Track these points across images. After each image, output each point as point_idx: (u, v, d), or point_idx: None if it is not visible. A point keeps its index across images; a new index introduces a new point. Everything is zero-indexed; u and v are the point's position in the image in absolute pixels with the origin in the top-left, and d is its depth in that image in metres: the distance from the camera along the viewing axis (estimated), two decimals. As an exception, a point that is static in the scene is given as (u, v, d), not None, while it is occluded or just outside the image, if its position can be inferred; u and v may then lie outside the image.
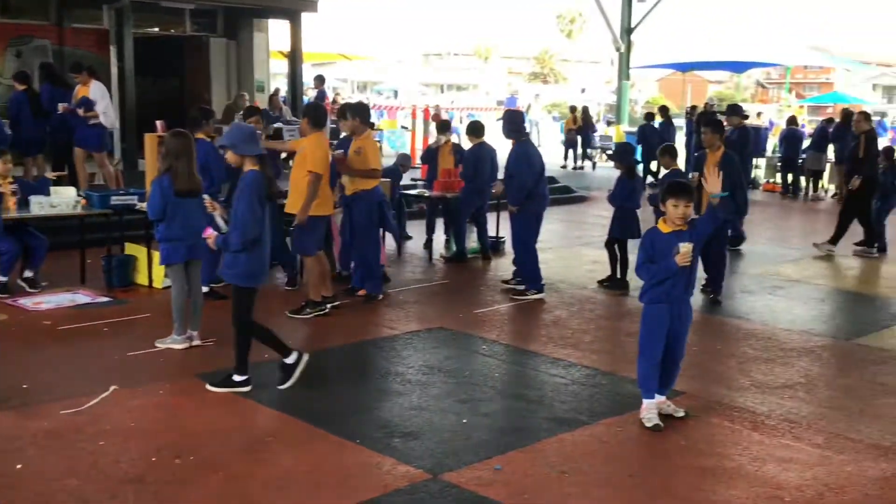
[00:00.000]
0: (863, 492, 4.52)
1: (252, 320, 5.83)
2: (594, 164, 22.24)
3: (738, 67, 30.36)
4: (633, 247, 9.25)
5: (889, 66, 65.55)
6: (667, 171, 9.19)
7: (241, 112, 16.00)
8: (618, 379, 6.30)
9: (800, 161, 18.77)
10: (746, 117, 13.27)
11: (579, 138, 22.39)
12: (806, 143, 19.07)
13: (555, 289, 9.12)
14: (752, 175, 19.94)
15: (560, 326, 7.70)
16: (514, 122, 8.76)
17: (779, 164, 19.56)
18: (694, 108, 22.29)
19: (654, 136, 18.90)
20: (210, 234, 5.79)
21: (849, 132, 16.67)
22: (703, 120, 9.51)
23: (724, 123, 10.31)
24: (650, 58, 28.25)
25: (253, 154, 5.66)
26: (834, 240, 11.67)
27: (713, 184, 5.21)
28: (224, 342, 6.72)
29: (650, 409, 5.35)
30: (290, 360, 5.81)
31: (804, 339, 7.56)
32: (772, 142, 23.55)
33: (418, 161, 14.78)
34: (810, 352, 7.19)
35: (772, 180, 19.95)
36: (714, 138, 8.53)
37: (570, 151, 22.58)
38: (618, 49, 22.67)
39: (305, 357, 5.83)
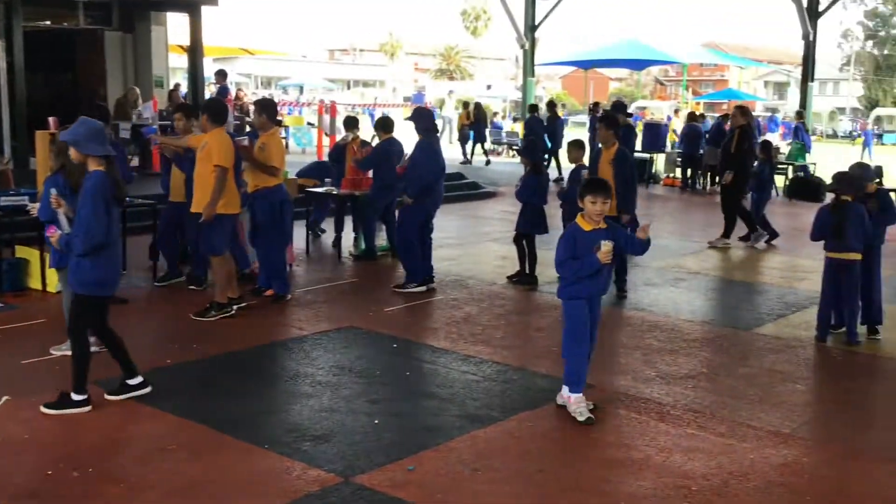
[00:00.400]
0: (766, 478, 4.66)
1: (106, 329, 5.49)
2: (488, 161, 22.62)
3: (638, 65, 31.14)
4: (540, 242, 9.38)
5: (780, 64, 68.39)
6: (574, 166, 9.32)
7: (139, 108, 15.61)
8: (529, 374, 6.34)
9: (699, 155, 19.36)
10: (630, 115, 13.80)
11: (472, 133, 22.81)
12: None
13: (464, 285, 9.14)
14: (654, 170, 20.52)
15: (470, 323, 7.70)
16: (427, 120, 8.83)
17: (678, 158, 20.13)
18: (597, 104, 22.76)
19: (539, 128, 19.45)
20: (53, 232, 5.41)
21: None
22: (601, 119, 9.67)
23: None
24: (554, 55, 28.69)
25: (98, 154, 5.24)
26: (726, 233, 12.11)
27: (644, 230, 5.33)
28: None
29: (580, 402, 5.42)
30: (133, 381, 5.50)
31: (706, 329, 7.78)
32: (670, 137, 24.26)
33: (325, 158, 14.56)
34: (712, 342, 7.40)
35: (672, 175, 20.50)
36: (608, 134, 8.68)
37: (465, 147, 22.95)
38: (522, 46, 22.91)
39: (148, 389, 5.50)
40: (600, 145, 8.88)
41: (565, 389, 5.56)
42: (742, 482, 4.60)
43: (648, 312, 8.26)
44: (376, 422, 5.27)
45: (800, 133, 21.13)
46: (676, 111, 31.03)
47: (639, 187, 18.95)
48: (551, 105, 20.51)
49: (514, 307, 8.44)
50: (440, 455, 4.82)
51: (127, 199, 8.78)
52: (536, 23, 22.73)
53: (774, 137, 25.61)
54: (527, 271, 9.31)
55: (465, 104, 24.58)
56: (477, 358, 6.66)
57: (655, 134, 21.56)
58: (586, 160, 9.47)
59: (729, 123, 18.39)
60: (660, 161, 21.04)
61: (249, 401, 5.64)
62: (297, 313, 7.84)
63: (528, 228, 9.22)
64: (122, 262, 8.56)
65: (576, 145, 9.37)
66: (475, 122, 22.74)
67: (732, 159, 11.96)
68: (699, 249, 11.83)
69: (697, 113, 22.69)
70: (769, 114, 49.44)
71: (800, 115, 22.84)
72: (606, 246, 5.16)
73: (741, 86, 67.73)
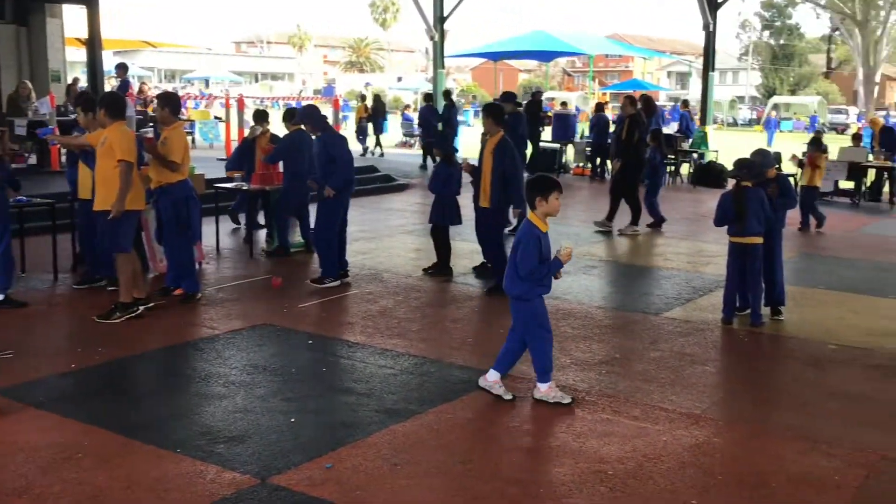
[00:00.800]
0: (679, 459, 4.77)
1: None
2: (382, 153, 22.78)
3: (546, 56, 31.48)
4: (454, 233, 9.38)
5: (682, 54, 70.31)
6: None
7: (34, 104, 14.96)
8: (445, 366, 6.33)
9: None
10: (520, 104, 14.04)
11: (370, 125, 22.94)
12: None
13: (379, 278, 9.08)
14: (564, 159, 20.83)
15: (387, 316, 7.65)
16: (315, 116, 8.63)
17: (588, 148, 20.47)
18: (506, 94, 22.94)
19: (434, 117, 19.82)
20: None
21: (651, 116, 17.73)
22: (484, 108, 9.45)
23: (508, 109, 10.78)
24: (463, 46, 28.84)
25: None
26: (634, 220, 12.37)
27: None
28: (24, 354, 6.22)
29: (555, 388, 5.57)
30: None
31: (618, 315, 7.92)
32: (579, 127, 24.66)
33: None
34: (624, 328, 7.53)
35: (581, 164, 20.84)
36: (490, 123, 8.52)
37: (362, 139, 23.12)
38: (431, 38, 22.86)
39: None
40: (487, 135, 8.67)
41: (492, 374, 5.64)
42: (656, 464, 4.69)
43: (562, 300, 8.35)
44: (292, 420, 5.18)
45: (685, 121, 21.86)
46: (603, 105, 31.72)
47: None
48: (446, 94, 20.74)
49: (430, 299, 8.42)
50: (359, 451, 4.76)
51: (25, 199, 8.49)
52: (445, 14, 22.70)
53: (678, 126, 26.32)
54: (442, 263, 9.30)
55: (363, 97, 24.88)
56: (393, 351, 6.62)
57: (565, 124, 21.89)
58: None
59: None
60: (570, 151, 21.37)
61: (159, 404, 5.47)
62: (208, 312, 7.65)
63: (442, 220, 9.22)
64: (18, 263, 8.26)
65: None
66: (373, 115, 22.94)
67: (623, 148, 12.26)
68: (609, 237, 12.05)
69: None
70: (673, 103, 50.76)
71: (685, 103, 23.76)
72: (568, 248, 5.34)
73: (645, 76, 69.33)
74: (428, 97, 21.43)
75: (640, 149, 12.31)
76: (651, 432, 5.13)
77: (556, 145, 20.85)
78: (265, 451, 4.72)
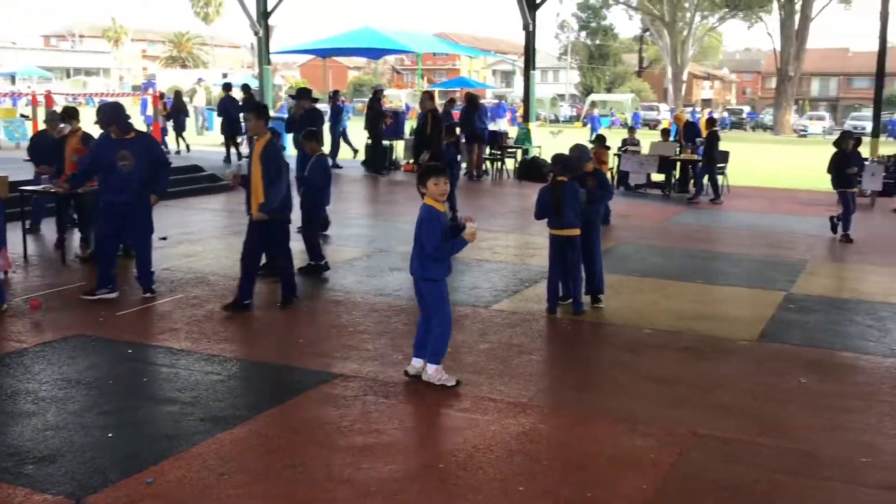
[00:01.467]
0: (507, 448, 4.88)
1: None
2: (188, 147, 22.24)
3: (374, 54, 31.49)
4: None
5: (505, 54, 72.36)
6: (314, 156, 9.25)
7: None
8: (275, 368, 6.20)
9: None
10: (315, 101, 14.01)
11: (170, 123, 22.36)
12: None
13: (206, 282, 8.78)
14: (395, 156, 20.97)
15: (213, 320, 7.40)
16: (123, 117, 7.98)
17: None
18: (336, 92, 22.80)
19: (234, 109, 19.84)
20: None
21: (475, 112, 18.16)
22: (248, 106, 9.11)
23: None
24: (290, 42, 28.41)
25: None
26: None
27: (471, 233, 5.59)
28: None
29: (442, 371, 5.74)
30: None
31: (448, 309, 8.02)
32: (408, 124, 24.90)
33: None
34: (455, 322, 7.56)
35: (411, 161, 21.01)
36: (258, 125, 7.64)
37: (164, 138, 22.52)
38: (256, 33, 22.33)
39: None
40: (254, 137, 7.78)
41: (429, 366, 5.78)
42: (485, 454, 4.78)
43: (394, 297, 8.37)
44: (110, 435, 4.90)
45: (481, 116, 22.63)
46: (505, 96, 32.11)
47: (382, 175, 19.26)
48: (246, 87, 20.48)
49: (259, 301, 8.20)
50: (183, 463, 4.57)
51: None
52: (269, 9, 22.22)
53: (503, 123, 27.10)
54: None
55: (161, 95, 24.21)
56: (221, 356, 6.41)
57: (395, 122, 21.99)
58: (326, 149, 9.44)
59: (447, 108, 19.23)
60: (399, 147, 21.52)
61: (-41, 427, 5.03)
62: (15, 325, 7.12)
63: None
64: None
65: (310, 136, 9.30)
66: (174, 112, 22.31)
67: (427, 141, 12.53)
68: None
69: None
70: (497, 101, 52.18)
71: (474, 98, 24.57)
72: (473, 227, 5.49)
73: (472, 74, 70.95)
74: (227, 87, 21.18)
75: (439, 142, 12.59)
76: (480, 423, 5.23)
77: (388, 142, 20.93)
78: (80, 469, 4.44)
